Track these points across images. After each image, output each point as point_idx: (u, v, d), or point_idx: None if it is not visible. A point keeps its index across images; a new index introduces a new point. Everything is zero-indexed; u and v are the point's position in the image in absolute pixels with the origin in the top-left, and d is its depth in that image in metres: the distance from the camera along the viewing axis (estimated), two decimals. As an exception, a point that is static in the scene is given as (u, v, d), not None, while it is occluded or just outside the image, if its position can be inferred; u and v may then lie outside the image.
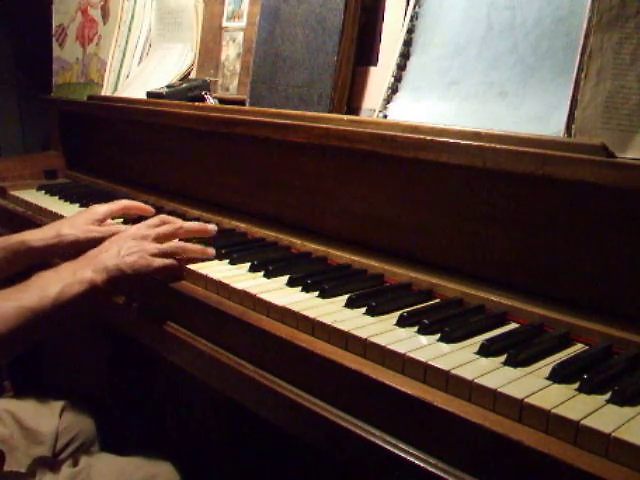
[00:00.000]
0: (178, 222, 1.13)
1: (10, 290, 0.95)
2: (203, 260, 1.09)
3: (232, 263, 1.09)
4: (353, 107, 1.23)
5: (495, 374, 0.71)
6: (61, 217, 1.44)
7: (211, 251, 1.10)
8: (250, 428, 1.41)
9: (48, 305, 0.93)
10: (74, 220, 1.23)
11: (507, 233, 0.90)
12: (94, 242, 1.11)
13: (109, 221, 1.27)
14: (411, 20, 1.14)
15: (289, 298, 0.93)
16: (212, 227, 1.16)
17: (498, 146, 0.87)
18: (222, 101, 1.52)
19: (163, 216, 1.16)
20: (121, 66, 1.86)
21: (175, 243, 1.09)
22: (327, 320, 0.84)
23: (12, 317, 0.90)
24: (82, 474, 1.08)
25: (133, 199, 1.57)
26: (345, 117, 1.11)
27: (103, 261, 1.00)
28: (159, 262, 1.03)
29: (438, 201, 0.98)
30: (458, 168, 0.93)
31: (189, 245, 1.09)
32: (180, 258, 1.07)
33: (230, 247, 1.14)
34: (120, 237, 1.07)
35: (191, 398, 1.59)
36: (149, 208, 1.33)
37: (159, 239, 1.07)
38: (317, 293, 0.95)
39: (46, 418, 1.27)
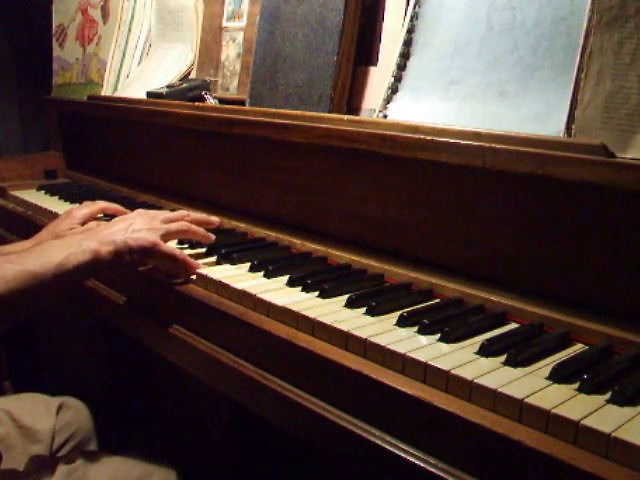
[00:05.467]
0: (184, 212, 1.16)
1: (14, 255, 0.95)
2: (204, 246, 1.11)
3: (232, 263, 1.09)
4: (353, 107, 1.23)
5: (495, 374, 0.71)
6: (61, 217, 1.44)
7: (212, 236, 1.13)
8: (249, 428, 1.41)
9: (50, 271, 0.92)
10: (55, 228, 1.20)
11: (507, 233, 0.90)
12: None
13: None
14: (411, 20, 1.14)
15: (289, 298, 0.93)
16: (215, 219, 1.18)
17: (498, 146, 0.87)
18: (222, 101, 1.52)
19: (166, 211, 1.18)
20: (121, 66, 1.86)
21: (181, 222, 1.10)
22: (327, 320, 0.84)
23: (13, 279, 0.88)
24: (79, 472, 1.08)
25: (133, 199, 1.58)
26: (345, 117, 1.11)
27: (111, 234, 1.01)
28: (167, 248, 1.04)
29: (438, 201, 0.98)
30: (458, 168, 0.93)
31: (193, 226, 1.11)
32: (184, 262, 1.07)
33: (230, 247, 1.14)
34: (129, 216, 1.09)
35: (190, 398, 1.59)
36: (125, 211, 1.30)
37: (166, 221, 1.09)
38: (317, 293, 0.95)
39: (43, 416, 1.27)
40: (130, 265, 1.04)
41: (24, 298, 0.91)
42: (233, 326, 0.93)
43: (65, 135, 2.00)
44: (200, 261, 1.10)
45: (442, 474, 0.66)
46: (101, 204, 1.30)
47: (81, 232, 1.04)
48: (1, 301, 0.88)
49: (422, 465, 0.68)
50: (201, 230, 1.12)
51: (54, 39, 2.14)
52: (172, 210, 1.43)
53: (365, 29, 1.23)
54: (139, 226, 1.04)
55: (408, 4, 1.15)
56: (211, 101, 1.52)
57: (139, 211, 1.12)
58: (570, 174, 0.80)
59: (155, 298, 1.09)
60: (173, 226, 1.08)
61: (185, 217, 1.13)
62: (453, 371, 0.71)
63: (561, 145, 0.83)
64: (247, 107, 1.36)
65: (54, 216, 1.47)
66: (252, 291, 0.95)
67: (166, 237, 1.05)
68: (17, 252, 0.98)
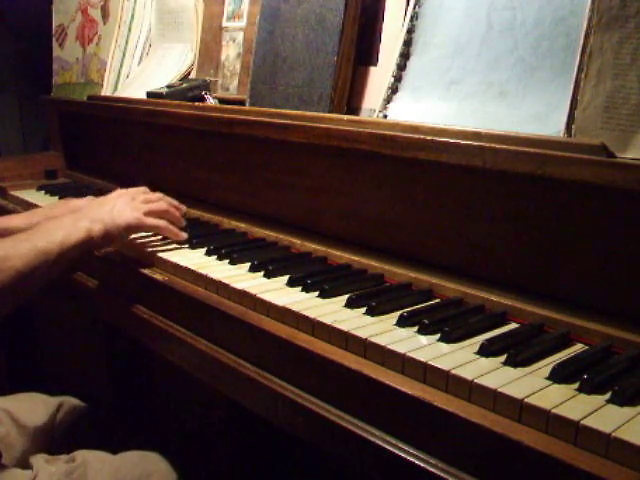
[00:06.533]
0: (160, 194, 1.26)
1: (21, 234, 1.05)
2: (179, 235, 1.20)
3: (232, 263, 1.09)
4: (353, 107, 1.23)
5: (495, 374, 0.71)
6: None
7: (183, 221, 1.24)
8: (249, 428, 1.41)
9: (55, 248, 1.02)
10: (51, 211, 1.27)
11: (507, 233, 0.90)
12: None
13: None
14: (411, 20, 1.14)
15: (289, 298, 0.93)
16: (182, 206, 1.27)
17: (498, 146, 0.87)
18: (222, 101, 1.52)
19: (144, 188, 1.27)
20: (121, 66, 1.86)
21: (160, 203, 1.21)
22: (327, 320, 0.84)
23: (27, 254, 0.98)
24: (78, 471, 1.07)
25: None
26: (345, 117, 1.11)
27: (99, 215, 1.12)
28: (149, 221, 1.16)
29: (438, 201, 0.98)
30: (458, 168, 0.93)
31: (171, 208, 1.22)
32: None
33: (230, 247, 1.14)
34: (111, 197, 1.19)
35: (190, 398, 1.59)
36: None
37: (146, 202, 1.20)
38: (317, 293, 0.95)
39: (42, 415, 1.27)
40: (119, 240, 1.15)
41: (35, 272, 1.00)
42: (233, 326, 0.93)
43: (65, 135, 2.00)
44: (200, 261, 1.10)
45: (442, 474, 0.66)
46: None
47: (71, 213, 1.14)
48: (19, 275, 0.97)
49: (422, 465, 0.68)
50: (176, 213, 1.23)
51: (54, 39, 2.14)
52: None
53: (365, 29, 1.23)
54: (122, 206, 1.15)
55: (408, 4, 1.15)
56: (211, 101, 1.52)
57: (119, 192, 1.23)
58: (570, 174, 0.80)
59: (155, 298, 1.09)
60: (154, 206, 1.19)
61: (161, 198, 1.23)
62: (453, 371, 0.71)
63: (561, 145, 0.83)
64: (247, 107, 1.36)
65: (54, 216, 1.47)
66: (252, 291, 0.95)
67: (147, 214, 1.16)
68: (24, 233, 1.07)
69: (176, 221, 1.22)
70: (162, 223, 1.18)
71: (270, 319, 0.90)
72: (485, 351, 0.76)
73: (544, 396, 0.66)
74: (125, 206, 1.15)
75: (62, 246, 1.03)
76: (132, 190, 1.23)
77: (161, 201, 1.22)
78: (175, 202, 1.26)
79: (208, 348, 0.96)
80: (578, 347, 0.80)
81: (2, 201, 1.74)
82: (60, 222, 1.09)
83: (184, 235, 1.20)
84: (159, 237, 1.23)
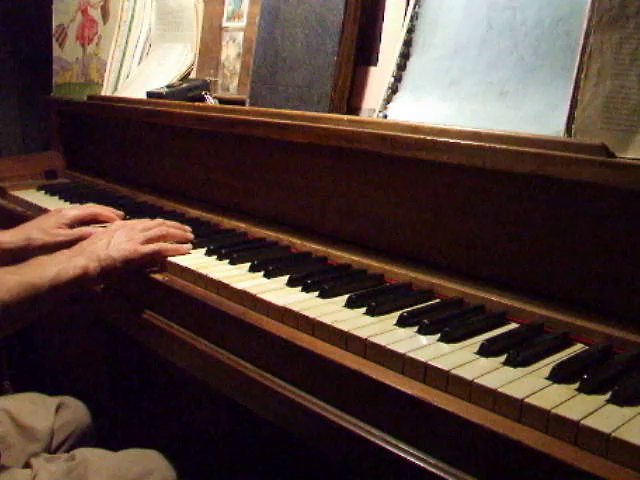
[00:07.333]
0: (160, 220, 1.22)
1: (11, 267, 1.02)
2: (180, 250, 1.15)
3: (232, 263, 1.09)
4: (353, 107, 1.23)
5: (495, 374, 0.71)
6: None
7: (190, 235, 1.21)
8: (249, 427, 1.41)
9: (46, 283, 1.00)
10: (43, 223, 1.26)
11: (507, 233, 0.90)
12: (62, 245, 1.17)
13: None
14: (411, 20, 1.14)
15: (289, 298, 0.93)
16: (189, 232, 1.23)
17: (498, 146, 0.87)
18: (222, 101, 1.52)
19: (146, 219, 1.23)
20: (121, 66, 1.86)
21: (159, 228, 1.17)
22: (327, 320, 0.84)
23: (14, 288, 0.96)
24: (78, 470, 1.07)
25: (133, 199, 1.58)
26: (345, 117, 1.11)
27: (96, 251, 1.08)
28: (146, 248, 1.12)
29: (438, 201, 0.98)
30: (458, 168, 0.93)
31: (171, 230, 1.19)
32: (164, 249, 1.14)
33: (230, 247, 1.14)
34: (111, 230, 1.16)
35: (190, 397, 1.59)
36: (115, 217, 1.34)
37: (144, 230, 1.16)
38: (317, 293, 0.95)
39: (42, 416, 1.27)
40: (118, 276, 1.10)
41: (23, 307, 0.98)
42: (233, 326, 0.93)
43: (65, 135, 2.00)
44: (200, 261, 1.10)
45: (442, 474, 0.66)
46: (92, 209, 1.33)
47: (69, 250, 1.11)
48: (5, 309, 0.95)
49: (422, 465, 0.68)
50: (179, 232, 1.19)
51: (54, 39, 2.14)
52: (171, 210, 1.44)
53: (365, 29, 1.23)
54: (119, 239, 1.12)
55: (408, 4, 1.15)
56: (211, 101, 1.52)
57: (119, 224, 1.21)
58: (570, 174, 0.80)
59: (155, 298, 1.09)
60: (152, 232, 1.15)
61: (162, 224, 1.20)
62: (453, 371, 0.71)
63: (561, 145, 0.83)
64: (247, 107, 1.36)
65: (54, 216, 1.47)
66: (252, 291, 0.95)
67: (146, 242, 1.13)
68: (15, 266, 1.04)
69: (180, 238, 1.19)
70: (161, 246, 1.13)
71: (270, 319, 0.90)
72: (485, 351, 0.76)
73: (544, 396, 0.66)
74: (122, 238, 1.11)
75: (54, 282, 1.00)
76: (131, 222, 1.20)
77: (161, 226, 1.18)
78: (178, 225, 1.22)
79: (208, 348, 0.96)
80: (578, 347, 0.80)
81: (2, 201, 1.74)
82: (55, 258, 1.07)
83: (187, 247, 1.16)
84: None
